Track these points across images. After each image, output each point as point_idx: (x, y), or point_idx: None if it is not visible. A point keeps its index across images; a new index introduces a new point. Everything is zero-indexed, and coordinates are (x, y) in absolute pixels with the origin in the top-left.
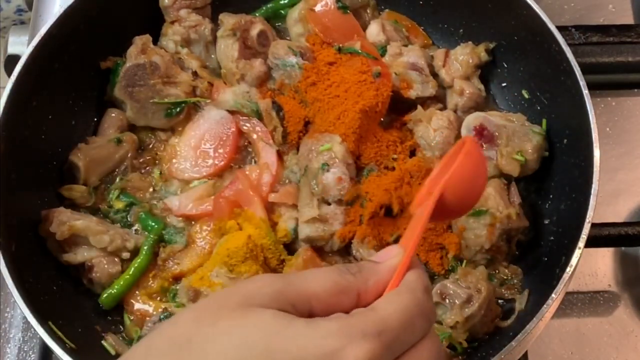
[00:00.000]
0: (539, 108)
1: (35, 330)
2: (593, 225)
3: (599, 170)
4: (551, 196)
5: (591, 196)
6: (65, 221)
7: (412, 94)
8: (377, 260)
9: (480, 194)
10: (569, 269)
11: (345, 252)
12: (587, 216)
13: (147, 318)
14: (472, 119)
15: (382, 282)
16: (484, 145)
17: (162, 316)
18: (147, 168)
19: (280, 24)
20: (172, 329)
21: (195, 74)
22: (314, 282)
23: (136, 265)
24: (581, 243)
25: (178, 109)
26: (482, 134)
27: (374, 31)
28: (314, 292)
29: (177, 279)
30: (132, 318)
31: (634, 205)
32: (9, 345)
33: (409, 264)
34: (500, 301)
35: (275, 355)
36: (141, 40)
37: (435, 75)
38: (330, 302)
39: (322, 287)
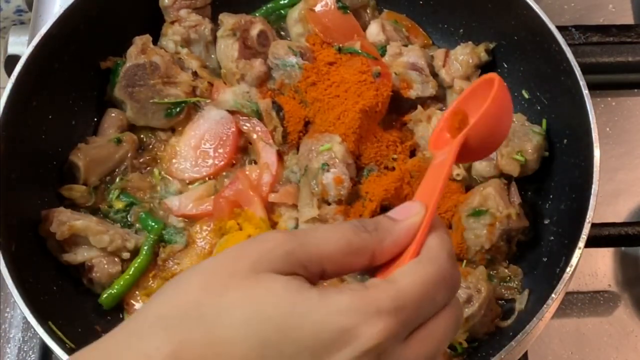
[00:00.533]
0: (539, 108)
1: (35, 330)
2: (593, 225)
3: (599, 170)
4: (551, 196)
5: (591, 196)
6: (65, 221)
7: (412, 94)
8: (395, 218)
9: (505, 135)
10: (569, 269)
11: None
12: (587, 216)
13: None
14: None
15: (400, 243)
16: None
17: None
18: (147, 168)
19: (280, 24)
20: (181, 297)
21: (195, 74)
22: (327, 242)
23: (136, 265)
24: (581, 243)
25: (178, 109)
26: None
27: (374, 31)
28: (326, 253)
29: None
30: None
31: (634, 205)
32: (9, 345)
33: (430, 224)
34: (500, 301)
35: (289, 332)
36: (141, 40)
37: (435, 75)
38: (344, 262)
39: (335, 247)
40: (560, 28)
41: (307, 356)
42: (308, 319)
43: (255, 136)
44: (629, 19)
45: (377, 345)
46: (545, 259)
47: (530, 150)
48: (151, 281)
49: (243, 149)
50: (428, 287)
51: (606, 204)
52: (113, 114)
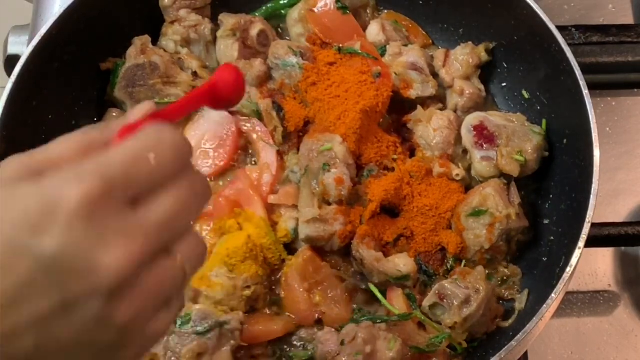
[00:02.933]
0: (539, 108)
1: None
2: (593, 225)
3: (599, 170)
4: (551, 196)
5: (591, 196)
6: None
7: (412, 94)
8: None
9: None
10: (569, 269)
11: (345, 252)
12: (587, 216)
13: None
14: (472, 119)
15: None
16: (484, 146)
17: None
18: None
19: (280, 24)
20: None
21: (195, 74)
22: (58, 146)
23: None
24: (581, 243)
25: None
26: (482, 134)
27: (374, 31)
28: (59, 155)
29: None
30: None
31: (634, 205)
32: None
33: (157, 120)
34: (500, 301)
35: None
36: (140, 41)
37: (435, 75)
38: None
39: (67, 148)
40: (560, 28)
41: (23, 235)
42: (17, 198)
43: (255, 136)
44: (629, 19)
45: (82, 205)
46: (545, 259)
47: (530, 150)
48: None
49: (243, 149)
50: (136, 149)
51: (606, 204)
52: (114, 114)
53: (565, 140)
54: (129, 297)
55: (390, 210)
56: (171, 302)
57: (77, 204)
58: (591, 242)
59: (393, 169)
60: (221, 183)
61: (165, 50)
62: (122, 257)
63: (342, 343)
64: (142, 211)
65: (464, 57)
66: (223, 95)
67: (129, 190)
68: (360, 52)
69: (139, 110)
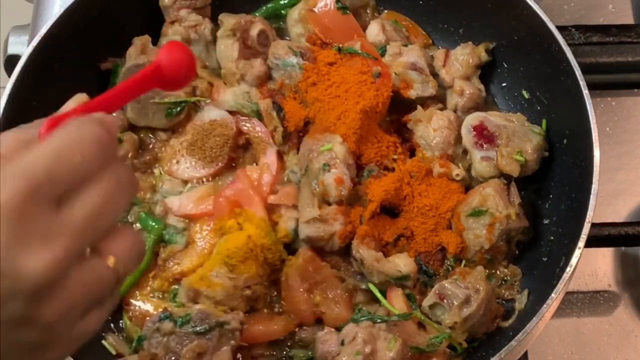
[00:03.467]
0: (539, 108)
1: None
2: (593, 225)
3: (599, 170)
4: (551, 196)
5: (591, 196)
6: None
7: (412, 94)
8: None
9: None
10: (568, 269)
11: (345, 252)
12: (587, 216)
13: (147, 318)
14: (472, 119)
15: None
16: (484, 146)
17: (162, 316)
18: (148, 168)
19: (280, 24)
20: None
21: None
22: None
23: None
24: (581, 243)
25: (178, 109)
26: (482, 134)
27: (374, 31)
28: None
29: (177, 279)
30: (132, 318)
31: (634, 205)
32: None
33: (93, 110)
34: (500, 301)
35: None
36: (140, 41)
37: (435, 75)
38: None
39: (5, 144)
40: (560, 28)
41: None
42: None
43: (255, 136)
44: (629, 19)
45: (8, 209)
46: (545, 259)
47: (530, 151)
48: (151, 281)
49: (243, 149)
50: (57, 148)
51: (606, 204)
52: (114, 114)
53: (565, 140)
54: (54, 299)
55: (390, 210)
56: (103, 301)
57: (3, 208)
58: (591, 242)
59: (393, 169)
60: (221, 183)
61: None
62: (45, 261)
63: (342, 343)
64: (66, 210)
65: (464, 57)
66: (171, 76)
67: (52, 190)
68: (360, 52)
69: (72, 101)
